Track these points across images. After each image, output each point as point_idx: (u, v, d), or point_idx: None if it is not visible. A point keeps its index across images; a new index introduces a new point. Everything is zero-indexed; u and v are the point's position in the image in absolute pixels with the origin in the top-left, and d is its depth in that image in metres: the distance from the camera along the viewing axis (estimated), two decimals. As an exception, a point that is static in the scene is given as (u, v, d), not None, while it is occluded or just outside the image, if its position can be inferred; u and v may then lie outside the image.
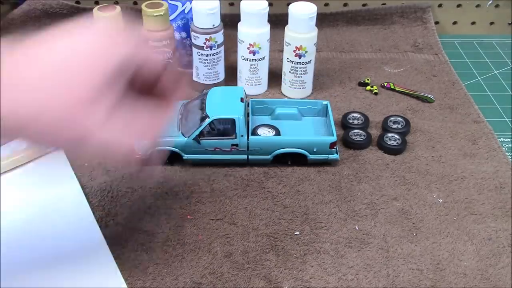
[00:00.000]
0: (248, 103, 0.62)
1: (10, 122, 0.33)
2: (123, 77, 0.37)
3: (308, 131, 0.62)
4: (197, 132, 0.56)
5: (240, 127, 0.56)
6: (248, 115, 0.60)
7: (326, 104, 0.63)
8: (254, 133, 0.59)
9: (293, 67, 0.69)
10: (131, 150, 0.38)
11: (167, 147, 0.57)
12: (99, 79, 0.35)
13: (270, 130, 0.60)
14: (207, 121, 0.56)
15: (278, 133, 0.60)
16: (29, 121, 0.34)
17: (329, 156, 0.58)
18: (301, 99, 0.71)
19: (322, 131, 0.62)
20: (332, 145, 0.58)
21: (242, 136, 0.57)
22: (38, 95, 0.34)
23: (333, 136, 0.58)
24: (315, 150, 0.58)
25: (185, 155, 0.58)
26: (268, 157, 0.58)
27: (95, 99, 0.35)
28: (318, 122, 0.63)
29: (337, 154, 0.59)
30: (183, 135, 0.57)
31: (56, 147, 0.36)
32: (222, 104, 0.57)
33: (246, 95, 0.61)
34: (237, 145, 0.57)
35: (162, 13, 0.66)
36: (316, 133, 0.62)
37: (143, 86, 0.40)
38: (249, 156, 0.58)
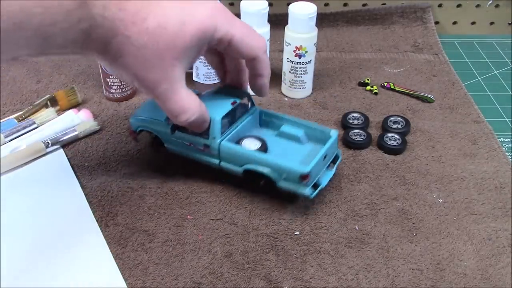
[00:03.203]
0: (256, 111, 0.59)
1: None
2: (204, 47, 0.46)
3: (296, 156, 0.55)
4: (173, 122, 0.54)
5: (215, 129, 0.53)
6: (236, 121, 0.56)
7: (332, 136, 0.55)
8: (238, 141, 0.55)
9: (293, 67, 0.69)
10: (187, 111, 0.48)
11: (153, 129, 0.57)
12: (190, 44, 0.44)
13: (256, 143, 0.55)
14: None
15: (264, 148, 0.55)
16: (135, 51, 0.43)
17: (299, 189, 0.51)
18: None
19: (307, 160, 0.53)
20: (303, 177, 0.50)
21: (214, 138, 0.53)
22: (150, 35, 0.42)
23: (307, 166, 0.50)
24: (284, 177, 0.52)
25: (166, 143, 0.57)
26: (239, 169, 0.54)
27: (180, 59, 0.44)
28: (314, 150, 0.55)
29: (312, 189, 0.52)
30: (167, 122, 0.56)
31: (134, 83, 0.46)
32: (211, 103, 0.54)
33: (252, 101, 0.58)
34: (208, 146, 0.54)
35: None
36: (303, 161, 0.54)
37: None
38: (222, 162, 0.55)
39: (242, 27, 0.48)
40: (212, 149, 0.54)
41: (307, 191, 0.51)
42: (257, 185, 0.54)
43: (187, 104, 0.47)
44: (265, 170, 0.52)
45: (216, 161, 0.55)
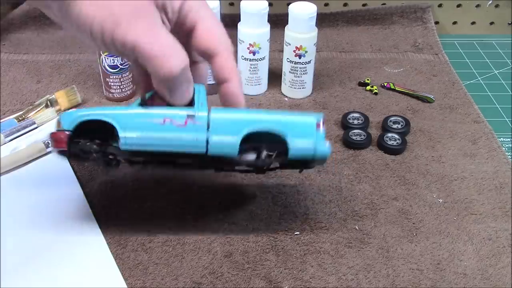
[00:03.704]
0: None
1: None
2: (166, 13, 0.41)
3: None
4: (150, 94, 0.43)
5: (201, 95, 0.44)
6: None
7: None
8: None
9: (293, 67, 0.69)
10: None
11: (105, 116, 0.42)
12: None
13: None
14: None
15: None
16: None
17: (318, 147, 0.44)
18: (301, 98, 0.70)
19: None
20: (319, 125, 0.44)
21: (202, 104, 0.43)
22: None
23: (317, 114, 0.44)
24: (297, 133, 0.44)
25: (122, 132, 0.42)
26: (234, 140, 0.43)
27: (141, 14, 0.39)
28: None
29: (327, 146, 0.44)
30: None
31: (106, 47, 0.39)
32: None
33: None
34: (193, 116, 0.42)
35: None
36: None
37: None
38: (212, 137, 0.43)
39: (213, 15, 0.44)
40: (199, 118, 0.43)
41: (327, 146, 0.44)
42: (260, 165, 0.45)
43: (175, 45, 0.40)
44: (273, 127, 0.43)
45: (202, 137, 0.43)
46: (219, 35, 0.44)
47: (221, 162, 0.45)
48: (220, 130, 0.43)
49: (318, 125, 0.44)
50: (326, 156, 0.45)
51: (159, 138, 0.42)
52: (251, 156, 0.45)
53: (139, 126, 0.42)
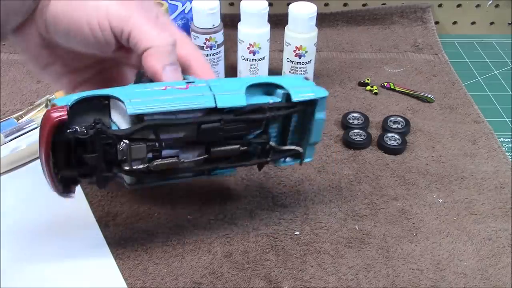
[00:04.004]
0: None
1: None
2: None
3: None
4: (139, 74, 0.46)
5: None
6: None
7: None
8: None
9: (293, 67, 0.69)
10: None
11: (106, 93, 0.40)
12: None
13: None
14: None
15: None
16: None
17: (315, 89, 0.45)
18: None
19: None
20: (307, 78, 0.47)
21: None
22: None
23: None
24: (296, 85, 0.45)
25: (127, 100, 0.39)
26: (240, 91, 0.42)
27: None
28: None
29: (321, 91, 0.46)
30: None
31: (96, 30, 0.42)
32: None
33: None
34: (193, 82, 0.42)
35: (162, 13, 0.66)
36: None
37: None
38: (216, 94, 0.41)
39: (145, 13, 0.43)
40: (199, 82, 0.43)
41: (321, 91, 0.46)
42: (270, 117, 0.44)
43: (168, 24, 0.45)
44: (270, 80, 0.45)
45: (208, 92, 0.42)
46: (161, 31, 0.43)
47: (230, 139, 0.44)
48: (223, 88, 0.42)
49: (306, 79, 0.47)
50: (326, 94, 0.46)
51: (165, 99, 0.40)
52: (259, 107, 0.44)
53: (142, 94, 0.40)
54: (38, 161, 0.59)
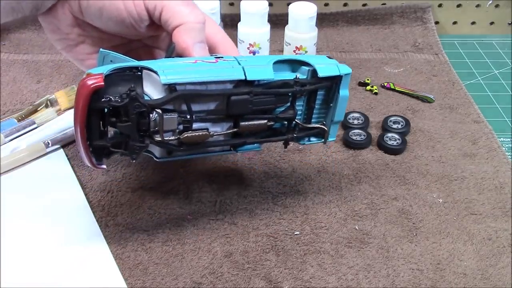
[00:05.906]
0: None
1: None
2: None
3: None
4: (171, 49, 0.46)
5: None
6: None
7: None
8: None
9: (293, 67, 0.69)
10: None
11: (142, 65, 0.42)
12: None
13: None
14: None
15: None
16: None
17: (339, 65, 0.47)
18: None
19: None
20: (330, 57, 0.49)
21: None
22: None
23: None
24: (321, 62, 0.47)
25: (160, 71, 0.40)
26: (268, 65, 0.44)
27: None
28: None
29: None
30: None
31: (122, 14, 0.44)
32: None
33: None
34: (222, 57, 0.44)
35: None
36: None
37: None
38: (245, 67, 0.43)
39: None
40: (227, 57, 0.45)
41: (346, 67, 0.48)
42: (297, 91, 0.45)
43: (195, 5, 0.46)
44: (296, 58, 0.47)
45: (237, 65, 0.43)
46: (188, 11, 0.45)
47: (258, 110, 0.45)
48: (251, 62, 0.44)
49: (329, 57, 0.48)
50: (350, 71, 0.47)
51: (197, 69, 0.42)
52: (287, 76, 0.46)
53: (174, 66, 0.41)
54: (38, 161, 0.59)
